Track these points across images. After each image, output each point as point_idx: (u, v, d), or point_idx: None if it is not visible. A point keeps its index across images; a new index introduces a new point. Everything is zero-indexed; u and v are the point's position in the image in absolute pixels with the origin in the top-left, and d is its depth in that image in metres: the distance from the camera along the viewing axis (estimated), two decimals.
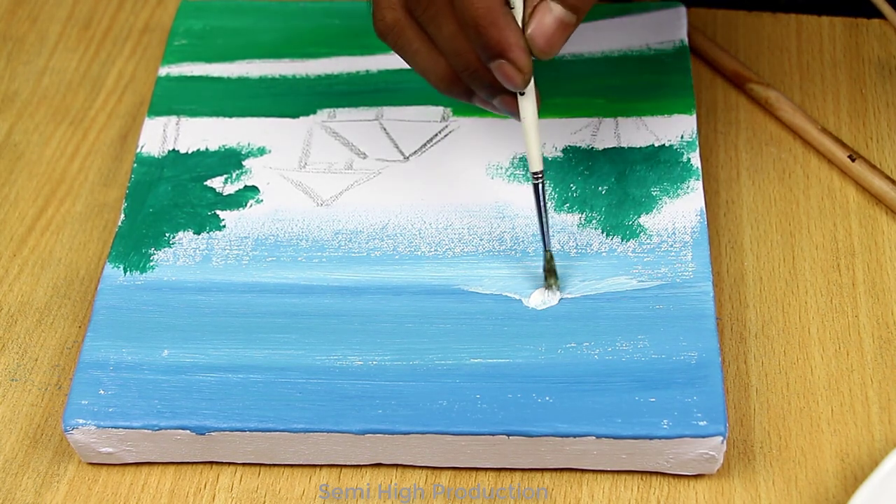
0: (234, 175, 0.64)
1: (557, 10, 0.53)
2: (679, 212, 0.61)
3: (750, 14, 0.73)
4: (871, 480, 0.52)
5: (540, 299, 0.58)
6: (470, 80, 0.55)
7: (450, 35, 0.54)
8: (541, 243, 0.58)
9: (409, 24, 0.55)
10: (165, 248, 0.61)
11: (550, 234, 0.58)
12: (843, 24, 0.72)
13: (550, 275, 0.58)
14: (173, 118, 0.67)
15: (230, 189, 0.63)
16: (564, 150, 0.64)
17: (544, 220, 0.57)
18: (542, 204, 0.57)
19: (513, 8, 0.53)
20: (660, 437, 0.53)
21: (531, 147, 0.56)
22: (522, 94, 0.55)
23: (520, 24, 0.53)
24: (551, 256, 0.58)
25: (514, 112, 0.55)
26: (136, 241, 0.61)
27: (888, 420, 0.56)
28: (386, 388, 0.55)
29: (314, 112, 0.67)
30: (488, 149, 0.64)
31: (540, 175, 0.56)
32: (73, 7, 0.77)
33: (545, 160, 0.63)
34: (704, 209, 0.61)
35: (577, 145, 0.64)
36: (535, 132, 0.55)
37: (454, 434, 0.54)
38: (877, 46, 0.71)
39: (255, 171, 0.64)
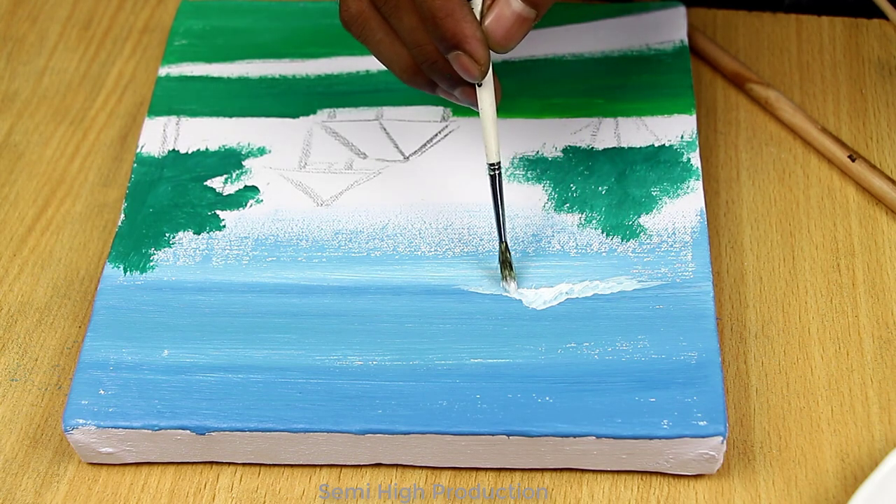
0: (234, 175, 0.64)
1: (517, 5, 0.53)
2: (679, 212, 0.61)
3: (750, 14, 0.73)
4: (871, 480, 0.52)
5: (542, 299, 0.58)
6: (430, 71, 0.55)
7: (410, 27, 0.54)
8: (548, 238, 0.58)
9: (373, 16, 0.56)
10: (165, 248, 0.61)
11: (506, 225, 0.58)
12: (843, 24, 0.72)
13: (505, 266, 0.58)
14: (173, 118, 0.67)
15: (230, 189, 0.63)
16: (564, 150, 0.64)
17: (500, 211, 0.58)
18: (498, 196, 0.57)
19: (471, 0, 0.53)
20: (660, 437, 0.53)
21: (488, 138, 0.56)
22: (480, 85, 0.55)
23: (478, 16, 0.53)
24: (506, 248, 0.58)
25: (474, 103, 0.56)
26: (136, 241, 0.61)
27: (888, 420, 0.56)
28: (386, 388, 0.55)
29: (314, 112, 0.67)
30: None
31: (496, 167, 0.57)
32: (73, 7, 0.77)
33: (545, 160, 0.64)
34: (704, 209, 0.61)
35: (577, 145, 0.64)
36: (492, 123, 0.56)
37: (454, 434, 0.54)
38: (877, 46, 0.71)
39: (255, 171, 0.64)
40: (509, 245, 0.58)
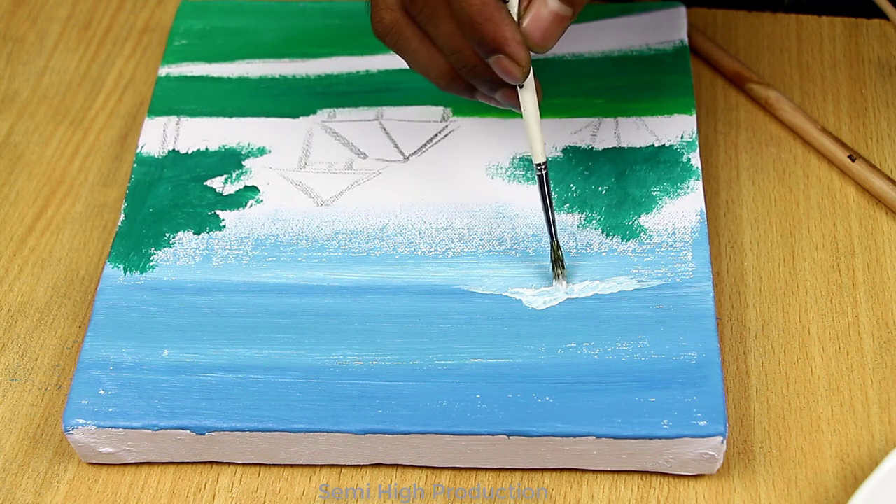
0: (234, 175, 0.64)
1: (553, 4, 0.53)
2: (679, 212, 0.61)
3: (750, 14, 0.73)
4: (871, 480, 0.52)
5: (542, 299, 0.58)
6: (469, 76, 0.55)
7: (447, 33, 0.54)
8: (547, 237, 0.58)
9: (407, 24, 0.55)
10: (165, 248, 0.61)
11: (556, 225, 0.58)
12: (843, 24, 0.72)
13: (557, 265, 0.58)
14: (173, 118, 0.67)
15: (230, 189, 0.63)
16: (564, 150, 0.64)
17: (550, 211, 0.57)
18: (547, 195, 0.57)
19: (507, 2, 0.53)
20: (660, 437, 0.53)
21: (533, 139, 0.56)
22: (522, 86, 0.55)
23: (515, 18, 0.53)
24: (558, 246, 0.58)
25: (516, 105, 0.56)
26: (136, 241, 0.61)
27: (888, 420, 0.56)
28: (386, 388, 0.55)
29: (314, 112, 0.67)
30: (488, 149, 0.64)
31: (543, 166, 0.57)
32: (73, 7, 0.77)
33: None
34: (704, 209, 0.61)
35: (577, 145, 0.64)
36: (536, 124, 0.56)
37: (454, 434, 0.54)
38: (877, 46, 0.71)
39: (255, 171, 0.64)
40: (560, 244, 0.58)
